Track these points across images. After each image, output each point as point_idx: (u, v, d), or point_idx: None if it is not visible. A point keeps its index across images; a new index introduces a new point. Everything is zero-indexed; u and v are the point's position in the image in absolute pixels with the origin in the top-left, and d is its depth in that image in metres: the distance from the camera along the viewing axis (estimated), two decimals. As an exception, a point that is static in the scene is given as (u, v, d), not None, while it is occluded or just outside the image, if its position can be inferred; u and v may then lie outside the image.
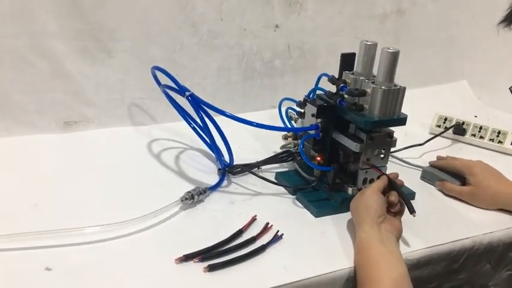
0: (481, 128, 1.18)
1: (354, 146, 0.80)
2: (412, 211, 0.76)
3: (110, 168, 0.95)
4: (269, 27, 1.25)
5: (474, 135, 1.18)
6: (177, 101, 0.95)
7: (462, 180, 0.92)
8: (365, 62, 0.82)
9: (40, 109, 1.05)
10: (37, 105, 1.05)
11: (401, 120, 0.82)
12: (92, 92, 1.09)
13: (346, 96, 0.83)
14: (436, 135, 1.15)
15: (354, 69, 0.85)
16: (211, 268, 0.68)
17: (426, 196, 0.93)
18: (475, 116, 1.26)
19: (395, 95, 0.79)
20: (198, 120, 0.88)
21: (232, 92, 1.25)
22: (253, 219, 0.80)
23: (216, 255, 0.70)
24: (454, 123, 1.20)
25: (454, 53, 1.51)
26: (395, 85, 0.80)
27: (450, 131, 1.19)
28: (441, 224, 0.84)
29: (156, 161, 1.00)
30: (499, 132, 1.16)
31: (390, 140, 0.83)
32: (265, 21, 1.24)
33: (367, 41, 0.81)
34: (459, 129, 1.19)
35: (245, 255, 0.71)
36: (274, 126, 0.85)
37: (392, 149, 1.01)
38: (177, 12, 1.13)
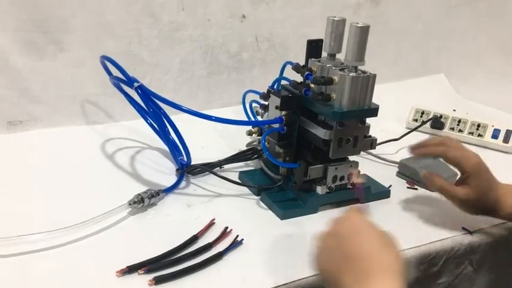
0: (459, 121, 1.12)
1: (322, 133, 0.73)
2: None
3: (56, 170, 0.86)
4: (235, 18, 1.17)
5: (453, 128, 1.12)
6: (132, 95, 0.86)
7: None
8: (333, 40, 0.74)
9: (-20, 108, 0.96)
10: (-24, 103, 0.95)
11: (373, 111, 0.75)
12: (40, 89, 1.00)
13: (312, 85, 0.75)
14: (413, 130, 1.09)
15: (322, 51, 0.78)
16: (158, 281, 0.59)
17: (402, 194, 0.86)
18: (454, 110, 1.19)
19: (365, 82, 0.72)
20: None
21: (196, 88, 1.16)
22: (211, 223, 0.72)
23: (165, 266, 0.62)
24: (431, 116, 1.14)
25: (431, 45, 1.45)
26: (365, 72, 0.73)
27: (428, 125, 1.13)
28: (418, 224, 0.77)
29: (110, 162, 0.91)
30: (478, 125, 1.10)
31: (363, 127, 0.76)
32: (231, 11, 1.16)
33: (334, 17, 0.74)
34: (437, 122, 1.12)
35: (198, 264, 0.63)
36: (233, 120, 0.78)
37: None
38: (134, 1, 1.05)
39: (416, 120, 1.15)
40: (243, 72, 1.21)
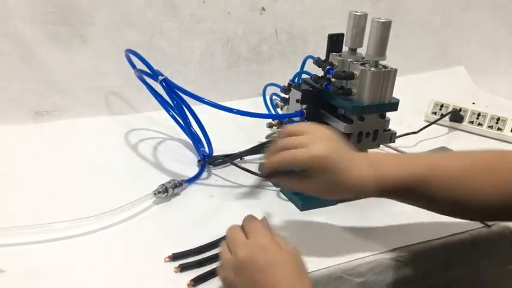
0: (479, 114, 1.12)
1: (342, 126, 0.74)
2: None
3: (81, 159, 0.89)
4: (255, 10, 1.18)
5: (472, 122, 1.12)
6: (155, 87, 0.88)
7: None
8: (354, 35, 0.75)
9: (8, 98, 0.98)
10: (5, 94, 0.98)
11: (393, 106, 0.76)
12: (65, 80, 1.03)
13: (333, 80, 0.76)
14: (432, 123, 1.09)
15: (343, 45, 0.79)
16: (183, 268, 0.62)
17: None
18: (473, 103, 1.19)
19: (386, 77, 0.73)
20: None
21: (216, 79, 1.18)
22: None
23: (191, 254, 0.64)
24: (450, 110, 1.14)
25: (451, 37, 1.44)
26: (386, 67, 0.74)
27: (447, 118, 1.13)
28: (436, 217, 0.76)
29: (133, 152, 0.94)
30: (498, 119, 1.10)
31: (383, 121, 0.77)
32: (251, 3, 1.17)
33: (357, 12, 0.75)
34: (456, 116, 1.12)
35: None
36: (255, 113, 0.79)
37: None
38: (156, -6, 1.07)
39: (435, 113, 1.15)
40: (262, 65, 1.22)
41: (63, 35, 1.00)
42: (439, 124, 1.13)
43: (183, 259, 0.63)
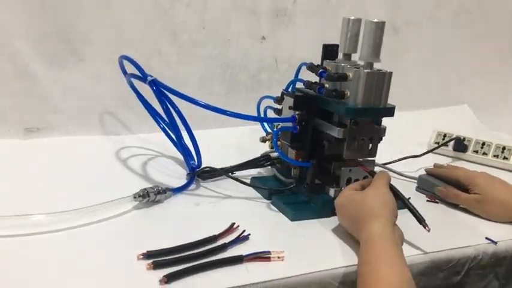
0: (483, 143, 1.07)
1: (336, 131, 0.70)
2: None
3: (67, 171, 0.86)
4: (255, 39, 1.18)
5: (476, 151, 1.07)
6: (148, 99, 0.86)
7: (464, 191, 0.81)
8: (348, 39, 0.73)
9: (-1, 113, 0.97)
10: (-5, 109, 0.97)
11: (389, 111, 0.72)
12: (59, 98, 1.01)
13: (326, 85, 0.74)
14: (434, 149, 1.05)
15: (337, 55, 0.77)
16: (156, 266, 0.57)
17: (422, 206, 0.81)
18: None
19: (381, 79, 0.70)
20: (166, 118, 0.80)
21: (214, 105, 1.16)
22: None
23: (166, 253, 0.59)
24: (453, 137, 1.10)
25: (453, 75, 1.43)
26: (380, 70, 0.71)
27: (451, 148, 1.09)
28: (439, 233, 0.71)
29: (123, 167, 0.91)
30: (503, 148, 1.05)
31: (378, 128, 0.73)
32: (251, 32, 1.17)
33: (350, 17, 0.73)
34: (460, 145, 1.08)
35: (200, 253, 0.59)
36: (246, 115, 0.77)
37: (387, 161, 0.92)
38: (155, 18, 1.07)
39: (438, 143, 1.11)
40: (261, 92, 1.20)
41: (59, 53, 1.00)
42: (443, 154, 1.09)
43: (158, 257, 0.58)
